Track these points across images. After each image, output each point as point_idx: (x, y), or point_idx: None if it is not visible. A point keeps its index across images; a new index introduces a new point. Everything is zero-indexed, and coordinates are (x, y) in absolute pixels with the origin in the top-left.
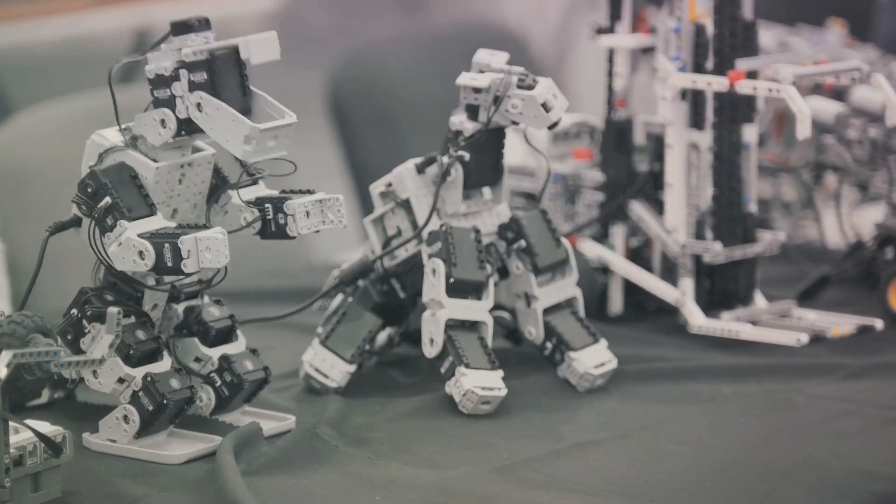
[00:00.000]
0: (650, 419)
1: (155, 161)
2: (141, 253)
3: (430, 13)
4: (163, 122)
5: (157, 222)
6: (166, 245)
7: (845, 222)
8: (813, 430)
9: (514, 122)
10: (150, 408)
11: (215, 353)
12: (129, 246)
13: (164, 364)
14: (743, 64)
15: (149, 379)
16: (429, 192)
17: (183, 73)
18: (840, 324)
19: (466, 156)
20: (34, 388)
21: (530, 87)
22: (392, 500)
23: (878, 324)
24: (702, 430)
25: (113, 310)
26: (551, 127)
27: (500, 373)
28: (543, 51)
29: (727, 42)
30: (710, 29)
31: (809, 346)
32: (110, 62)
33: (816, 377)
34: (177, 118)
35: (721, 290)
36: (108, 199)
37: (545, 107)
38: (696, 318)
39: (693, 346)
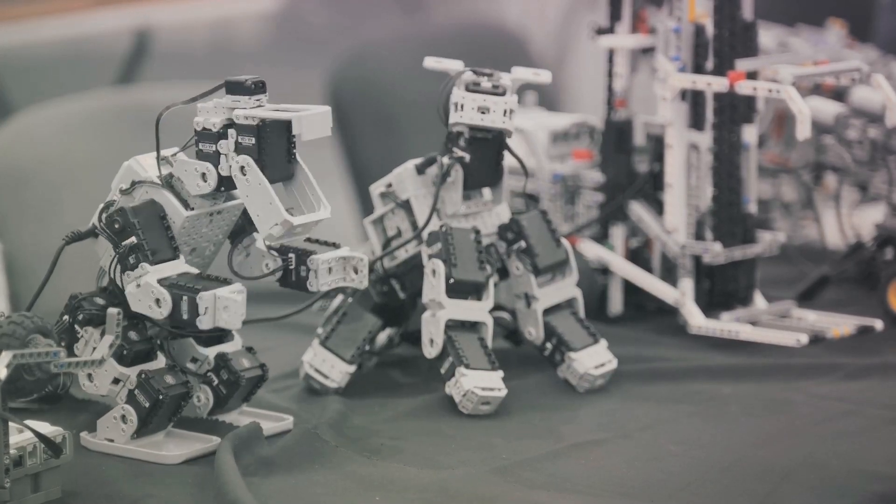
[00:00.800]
0: (650, 419)
1: (187, 207)
2: (158, 301)
3: (430, 13)
4: (203, 175)
5: (179, 266)
6: (185, 298)
7: (845, 223)
8: (813, 430)
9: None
10: (147, 404)
11: (211, 352)
12: (147, 291)
13: (159, 362)
14: (743, 64)
15: (143, 376)
16: (429, 193)
17: (231, 133)
18: (840, 324)
19: (466, 157)
20: (34, 388)
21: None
22: (392, 501)
23: (878, 324)
24: (702, 430)
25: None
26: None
27: (500, 373)
28: (543, 51)
29: (727, 42)
30: (709, 29)
31: (809, 346)
32: (110, 62)
33: (816, 377)
34: (218, 175)
35: (721, 290)
36: (133, 239)
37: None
38: (695, 319)
39: (693, 346)
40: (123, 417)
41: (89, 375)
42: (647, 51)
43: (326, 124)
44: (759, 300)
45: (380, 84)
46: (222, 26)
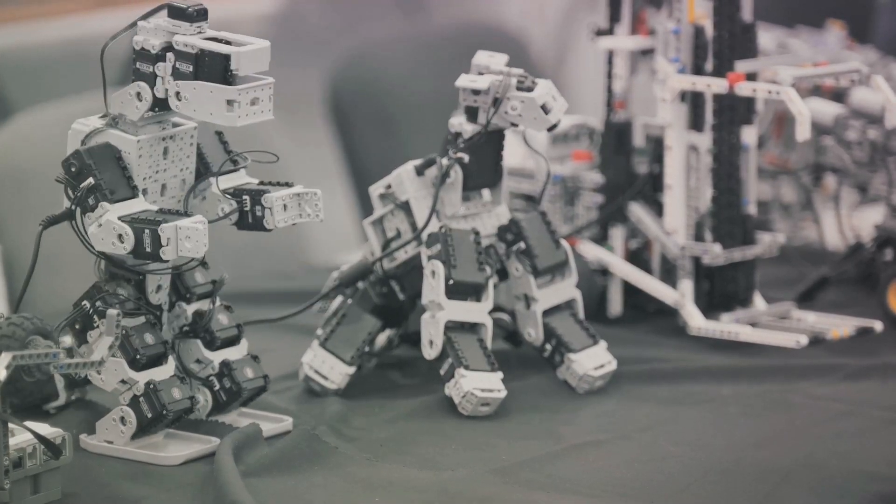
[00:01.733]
0: (650, 420)
1: (136, 136)
2: (120, 236)
3: (430, 14)
4: (138, 94)
5: (139, 205)
6: (146, 231)
7: (845, 224)
8: (813, 430)
9: (514, 125)
10: (149, 415)
11: (217, 356)
12: (108, 228)
13: (168, 369)
14: (742, 66)
15: (151, 387)
16: (428, 194)
17: (170, 56)
18: (839, 325)
19: (466, 157)
20: (34, 389)
21: (530, 89)
22: (392, 502)
23: (878, 325)
24: (702, 431)
25: (112, 312)
26: (550, 129)
27: (500, 374)
28: (543, 52)
29: (726, 44)
30: (709, 30)
31: (809, 347)
32: (111, 63)
33: (816, 378)
34: (153, 95)
35: (720, 291)
36: (91, 180)
37: (544, 108)
38: (695, 320)
39: (692, 347)
40: (122, 419)
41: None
42: (647, 52)
43: (265, 59)
44: (759, 301)
45: (380, 84)
46: (222, 26)
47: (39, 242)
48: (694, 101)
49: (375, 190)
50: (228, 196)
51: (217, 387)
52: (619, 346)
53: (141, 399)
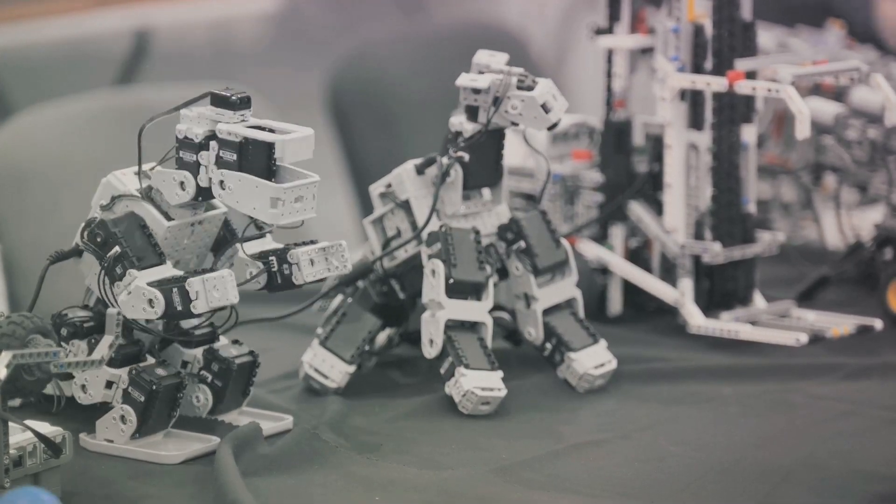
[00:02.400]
0: (650, 420)
1: (167, 218)
2: (151, 301)
3: (430, 13)
4: (182, 184)
5: (166, 271)
6: (174, 290)
7: (844, 223)
8: (813, 430)
9: (514, 123)
10: (142, 399)
11: (198, 351)
12: (138, 294)
13: (148, 361)
14: (742, 64)
15: (133, 372)
16: (428, 193)
17: (213, 145)
18: (839, 324)
19: (466, 157)
20: (33, 388)
21: (530, 88)
22: (392, 501)
23: (878, 324)
24: (702, 431)
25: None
26: (551, 128)
27: (500, 373)
28: (543, 51)
29: (726, 42)
30: (709, 29)
31: (809, 346)
32: (110, 63)
33: (816, 377)
34: (197, 185)
35: (720, 290)
36: (117, 248)
37: (545, 108)
38: (695, 319)
39: (692, 346)
40: (122, 418)
41: (83, 387)
42: (647, 51)
43: (309, 147)
44: (759, 300)
45: (380, 84)
46: (222, 27)
47: (44, 276)
48: (694, 99)
49: (375, 189)
50: (255, 261)
51: (209, 377)
52: (619, 345)
53: (130, 388)
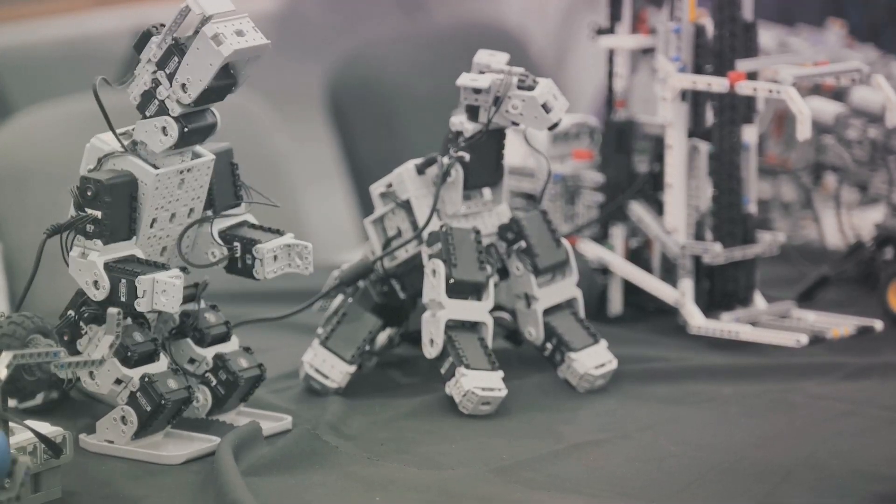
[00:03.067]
0: (650, 419)
1: (155, 167)
2: (96, 283)
3: (430, 13)
4: (164, 129)
5: (127, 247)
6: (123, 281)
7: (845, 223)
8: (813, 430)
9: (515, 123)
10: (148, 408)
11: (209, 352)
12: (90, 269)
13: (161, 364)
14: (743, 65)
15: (146, 380)
16: (429, 193)
17: (160, 74)
18: (839, 324)
19: (466, 156)
20: (34, 388)
21: (531, 88)
22: (392, 501)
23: (878, 324)
24: (702, 431)
25: (113, 310)
26: (552, 128)
27: (500, 373)
28: (543, 51)
29: (727, 43)
30: (710, 29)
31: (809, 346)
32: (111, 63)
33: (816, 378)
34: (179, 127)
35: (721, 290)
36: (98, 214)
37: (545, 107)
38: (695, 319)
39: (693, 346)
40: (123, 419)
41: (91, 373)
42: (648, 51)
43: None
44: (759, 300)
45: (380, 83)
46: None
47: (42, 250)
48: (694, 100)
49: (376, 189)
50: (220, 243)
51: (214, 382)
52: (619, 345)
53: (138, 394)
